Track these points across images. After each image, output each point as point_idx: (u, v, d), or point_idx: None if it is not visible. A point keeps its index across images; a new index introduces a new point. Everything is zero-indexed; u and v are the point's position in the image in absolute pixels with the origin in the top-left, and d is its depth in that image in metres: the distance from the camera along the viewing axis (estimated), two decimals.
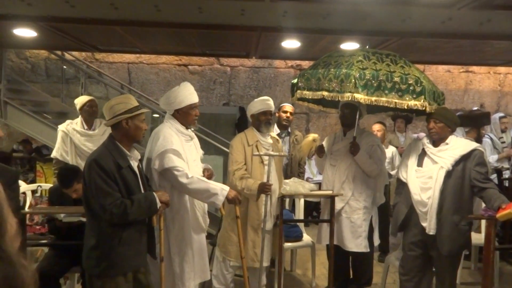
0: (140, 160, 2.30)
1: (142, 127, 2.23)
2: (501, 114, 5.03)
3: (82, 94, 5.25)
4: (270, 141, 3.26)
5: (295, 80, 3.29)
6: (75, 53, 6.37)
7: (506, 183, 4.35)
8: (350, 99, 2.84)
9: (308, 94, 3.06)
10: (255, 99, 3.34)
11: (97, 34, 4.52)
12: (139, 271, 2.25)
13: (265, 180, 3.06)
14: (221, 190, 2.52)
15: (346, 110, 3.35)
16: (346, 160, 3.35)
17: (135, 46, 5.04)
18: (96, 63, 6.87)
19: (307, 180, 5.04)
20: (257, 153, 3.09)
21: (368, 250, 3.35)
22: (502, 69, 7.27)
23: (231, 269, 3.19)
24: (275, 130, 4.12)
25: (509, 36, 4.01)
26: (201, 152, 2.86)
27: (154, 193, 2.28)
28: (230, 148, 3.21)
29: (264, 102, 3.21)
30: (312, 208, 5.81)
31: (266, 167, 3.08)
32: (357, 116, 3.29)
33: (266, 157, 3.10)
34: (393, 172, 4.51)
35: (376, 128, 4.62)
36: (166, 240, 2.58)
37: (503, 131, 5.25)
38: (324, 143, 3.62)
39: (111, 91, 6.58)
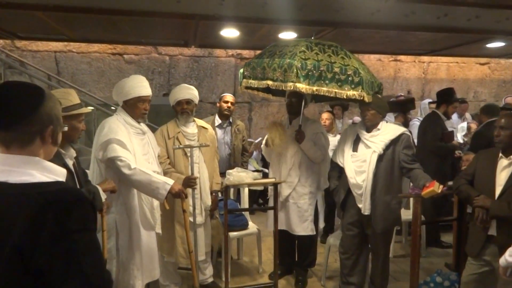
0: (76, 158, 2.20)
1: (79, 127, 2.14)
2: (430, 100, 5.29)
3: None
4: (195, 131, 3.14)
5: (241, 70, 3.22)
6: None
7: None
8: (292, 88, 2.81)
9: (253, 83, 3.02)
10: (174, 88, 3.21)
11: (16, 20, 4.19)
12: None
13: (189, 173, 2.95)
14: (163, 184, 2.45)
15: (293, 98, 3.33)
16: (292, 148, 3.34)
17: (61, 33, 4.75)
18: (18, 51, 6.31)
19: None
20: (176, 146, 2.96)
21: (314, 233, 3.39)
22: (425, 58, 7.65)
23: (171, 264, 3.17)
24: (217, 121, 4.02)
25: (431, 27, 4.27)
26: (158, 149, 2.78)
27: (97, 185, 2.21)
28: None
29: (179, 92, 3.09)
30: (258, 196, 5.82)
31: (193, 158, 2.91)
32: (303, 105, 3.29)
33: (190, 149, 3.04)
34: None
35: (325, 116, 4.66)
36: (114, 237, 2.49)
37: (460, 116, 5.57)
38: (266, 135, 3.52)
39: (37, 82, 6.11)
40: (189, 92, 3.08)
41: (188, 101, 3.05)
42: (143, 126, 2.67)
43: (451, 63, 7.90)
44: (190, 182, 2.86)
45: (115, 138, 2.41)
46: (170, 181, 2.49)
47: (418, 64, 7.77)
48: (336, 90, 2.81)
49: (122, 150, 2.41)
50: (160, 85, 6.89)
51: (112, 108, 5.42)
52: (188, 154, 2.99)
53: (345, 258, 3.10)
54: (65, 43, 6.19)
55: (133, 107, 2.55)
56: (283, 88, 2.88)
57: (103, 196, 2.19)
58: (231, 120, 4.09)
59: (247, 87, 3.22)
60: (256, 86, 3.07)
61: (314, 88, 2.77)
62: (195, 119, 3.25)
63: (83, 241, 0.91)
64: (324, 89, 2.79)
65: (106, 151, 2.41)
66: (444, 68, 7.85)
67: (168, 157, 3.03)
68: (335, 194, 3.19)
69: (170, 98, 3.13)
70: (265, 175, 4.44)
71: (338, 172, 3.18)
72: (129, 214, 2.53)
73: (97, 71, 6.65)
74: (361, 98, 2.83)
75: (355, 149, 3.02)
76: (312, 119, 3.66)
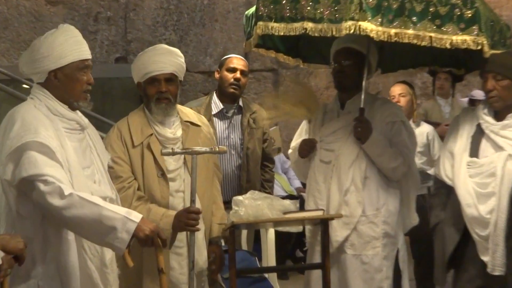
0: None
1: None
2: None
3: None
4: (178, 132, 3.05)
5: (252, 9, 3.14)
6: None
7: None
8: (352, 31, 2.67)
9: (277, 27, 2.94)
10: (138, 55, 3.08)
11: None
12: None
13: (169, 204, 2.86)
14: (123, 220, 2.32)
15: (346, 61, 3.18)
16: (349, 152, 3.20)
17: None
18: None
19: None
20: (170, 149, 2.85)
21: None
22: None
23: None
24: (215, 106, 3.89)
25: None
26: (106, 156, 2.72)
27: None
28: None
29: (152, 59, 2.99)
30: (293, 244, 5.48)
31: (175, 184, 2.91)
32: (365, 72, 3.11)
33: (175, 164, 2.91)
34: (431, 171, 4.33)
35: (397, 91, 4.44)
36: None
37: None
38: (304, 126, 3.45)
39: None
40: (171, 60, 2.96)
41: (170, 78, 2.95)
42: (80, 117, 2.56)
43: None
44: (188, 220, 2.78)
45: (35, 141, 2.34)
46: (136, 216, 2.37)
47: None
48: (433, 34, 2.72)
49: (48, 162, 2.34)
50: (109, 42, 6.44)
51: (25, 87, 5.15)
52: (170, 175, 2.91)
53: None
54: None
55: (70, 80, 2.48)
56: (333, 33, 2.78)
57: None
58: (241, 103, 3.92)
59: (258, 46, 3.18)
60: (282, 33, 2.97)
61: (392, 31, 2.71)
62: (180, 107, 3.11)
63: None
64: (410, 32, 2.73)
65: (18, 166, 2.34)
66: None
67: (134, 178, 2.91)
68: (435, 237, 3.10)
69: (134, 69, 3.04)
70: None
71: (442, 196, 3.10)
72: (63, 278, 2.42)
73: None
74: (478, 47, 2.71)
75: (474, 151, 2.91)
76: (384, 98, 3.59)
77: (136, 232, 2.34)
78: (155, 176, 2.96)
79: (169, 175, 2.93)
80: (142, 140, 2.97)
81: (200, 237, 3.05)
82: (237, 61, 3.94)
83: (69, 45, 2.51)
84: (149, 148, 2.96)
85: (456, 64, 3.41)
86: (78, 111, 2.58)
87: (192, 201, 2.83)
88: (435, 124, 4.86)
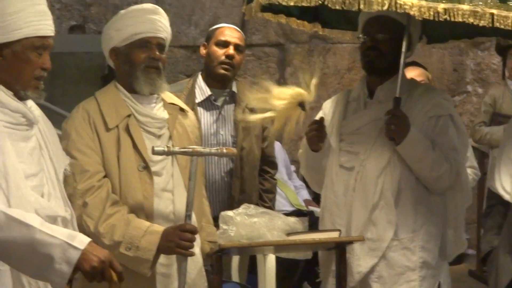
0: None
1: None
2: None
3: None
4: (163, 114, 3.06)
5: None
6: None
7: None
8: (386, 7, 2.78)
9: None
10: (119, 12, 3.09)
11: None
12: None
13: (167, 209, 2.93)
14: (63, 247, 2.26)
15: (378, 33, 3.20)
16: (378, 156, 3.21)
17: None
18: None
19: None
20: (162, 147, 2.85)
21: None
22: None
23: None
24: (200, 90, 3.88)
25: None
26: (63, 160, 2.70)
27: None
28: (63, 139, 2.95)
29: (145, 17, 3.03)
30: (300, 273, 5.63)
31: (161, 180, 2.92)
32: (403, 49, 3.12)
33: (161, 158, 2.95)
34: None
35: (414, 76, 4.40)
36: None
37: None
38: (323, 114, 3.44)
39: None
40: (165, 24, 3.06)
41: (162, 45, 3.04)
42: (28, 110, 2.51)
43: None
44: (181, 240, 2.82)
45: None
46: (79, 241, 2.28)
47: None
48: (495, 11, 2.84)
49: None
50: (61, 6, 6.58)
51: None
52: (155, 168, 2.98)
53: None
54: None
55: (14, 62, 2.47)
56: (361, 6, 2.86)
57: None
58: (234, 88, 3.94)
59: (264, 8, 3.26)
60: (291, 2, 3.01)
61: (441, 6, 2.84)
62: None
63: None
64: (465, 7, 2.85)
65: None
66: None
67: (105, 175, 2.93)
68: (488, 269, 3.35)
69: (111, 30, 3.06)
70: (315, 222, 4.29)
71: (497, 216, 3.46)
72: None
73: None
74: None
75: None
76: (425, 84, 3.70)
77: (80, 263, 2.26)
78: (134, 169, 3.00)
79: (153, 168, 2.97)
80: (118, 122, 3.01)
81: (194, 262, 3.04)
82: (230, 32, 3.95)
83: (26, 14, 2.48)
84: (128, 131, 3.01)
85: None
86: (28, 101, 2.54)
87: (187, 216, 2.84)
88: (506, 117, 4.89)
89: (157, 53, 3.05)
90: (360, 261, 3.18)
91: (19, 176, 2.47)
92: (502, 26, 2.83)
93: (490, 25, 2.84)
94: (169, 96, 3.23)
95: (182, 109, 3.25)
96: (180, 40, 6.66)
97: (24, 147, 2.54)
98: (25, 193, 2.46)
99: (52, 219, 2.48)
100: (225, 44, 3.92)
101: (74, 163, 2.93)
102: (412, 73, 4.57)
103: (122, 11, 3.18)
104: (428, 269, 3.23)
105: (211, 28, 4.14)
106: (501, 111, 5.36)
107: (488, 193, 3.35)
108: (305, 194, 5.87)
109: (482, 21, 2.83)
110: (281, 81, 6.72)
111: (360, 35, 3.31)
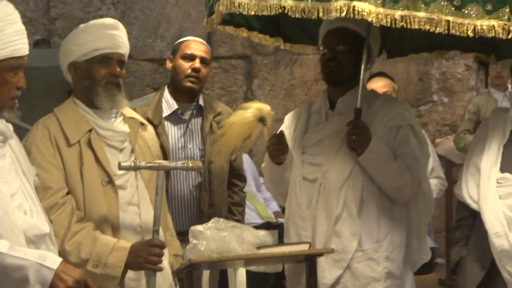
0: None
1: None
2: None
3: None
4: (124, 128, 3.07)
5: None
6: None
7: None
8: (344, 13, 2.71)
9: (246, 4, 2.98)
10: (79, 27, 3.08)
11: None
12: None
13: (134, 223, 2.99)
14: (36, 268, 2.25)
15: (338, 45, 3.18)
16: (341, 167, 3.19)
17: None
18: None
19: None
20: (129, 163, 2.86)
21: None
22: None
23: None
24: (167, 103, 3.87)
25: None
26: (32, 172, 2.67)
27: None
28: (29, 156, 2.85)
29: (104, 32, 3.04)
30: (272, 284, 5.63)
31: (126, 193, 2.93)
32: (364, 60, 3.12)
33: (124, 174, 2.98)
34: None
35: (379, 87, 4.49)
36: None
37: None
38: (285, 127, 3.44)
39: None
40: (125, 40, 3.07)
41: (122, 61, 3.07)
42: (7, 125, 2.52)
43: None
44: (150, 256, 2.85)
45: None
46: (52, 261, 2.27)
47: None
48: (450, 18, 2.80)
49: None
50: (26, 19, 6.33)
51: None
52: (119, 182, 3.01)
53: None
54: None
55: None
56: (319, 14, 2.84)
57: None
58: (201, 102, 3.94)
59: (225, 22, 3.32)
60: (253, 12, 3.00)
61: (398, 13, 2.79)
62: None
63: None
64: (421, 15, 2.81)
65: None
66: None
67: (68, 191, 2.92)
68: (458, 278, 3.31)
69: (71, 44, 3.05)
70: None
71: (466, 228, 3.35)
72: None
73: None
74: (510, 35, 2.78)
75: (506, 165, 3.08)
76: (385, 95, 3.72)
77: (55, 283, 2.27)
78: (98, 184, 3.02)
79: (117, 182, 3.00)
80: (80, 137, 3.02)
81: (163, 277, 3.09)
82: (195, 45, 3.94)
83: (5, 35, 2.46)
84: (90, 146, 3.02)
85: (483, 49, 3.54)
86: (2, 121, 2.50)
87: (155, 231, 2.89)
88: None
89: (118, 69, 3.08)
90: (325, 272, 3.18)
91: (6, 200, 2.45)
92: (457, 33, 2.84)
93: (446, 31, 2.85)
94: (128, 110, 3.27)
95: (141, 123, 3.28)
96: (147, 53, 6.68)
97: (2, 166, 2.55)
98: (13, 219, 2.45)
99: (40, 238, 2.51)
100: (191, 58, 3.93)
101: (35, 181, 2.90)
102: (379, 83, 4.71)
103: (82, 25, 3.20)
104: (393, 279, 3.23)
105: (177, 42, 4.16)
106: None
107: (458, 205, 3.33)
108: (274, 206, 5.86)
109: (438, 28, 2.83)
110: (248, 93, 6.86)
111: (321, 47, 3.32)
